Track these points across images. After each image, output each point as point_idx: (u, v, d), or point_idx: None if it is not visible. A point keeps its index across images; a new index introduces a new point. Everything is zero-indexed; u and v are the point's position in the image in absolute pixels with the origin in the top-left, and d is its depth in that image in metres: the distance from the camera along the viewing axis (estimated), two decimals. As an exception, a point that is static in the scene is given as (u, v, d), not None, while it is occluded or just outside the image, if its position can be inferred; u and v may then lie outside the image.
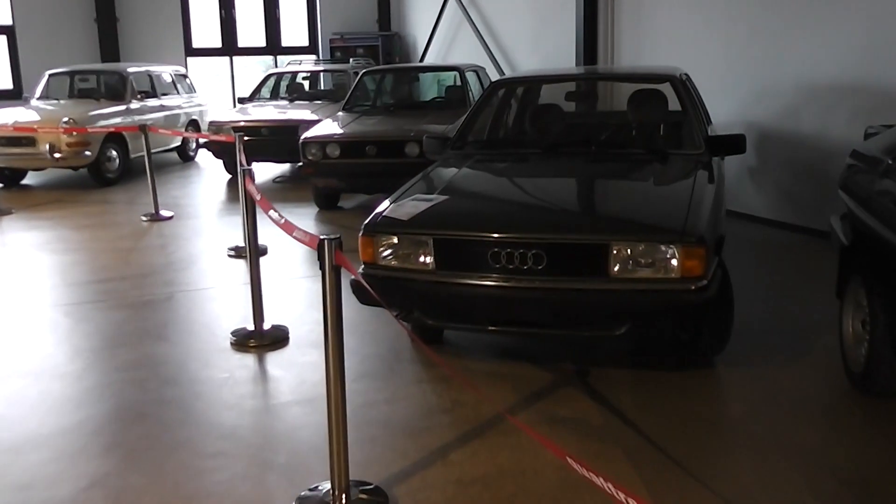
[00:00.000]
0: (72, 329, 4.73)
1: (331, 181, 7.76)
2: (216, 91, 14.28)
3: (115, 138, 9.85)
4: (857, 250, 3.60)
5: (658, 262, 3.30)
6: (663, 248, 3.29)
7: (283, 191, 9.57)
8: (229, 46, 15.06)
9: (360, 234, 3.66)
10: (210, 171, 11.12)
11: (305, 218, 7.74)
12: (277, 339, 4.37)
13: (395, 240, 3.61)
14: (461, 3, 12.23)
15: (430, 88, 12.09)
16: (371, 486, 2.83)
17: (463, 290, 3.46)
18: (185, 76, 12.39)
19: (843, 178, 3.93)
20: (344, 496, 2.70)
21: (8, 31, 13.37)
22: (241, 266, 5.95)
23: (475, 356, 4.19)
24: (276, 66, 14.37)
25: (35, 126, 9.30)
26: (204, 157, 12.01)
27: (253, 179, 4.30)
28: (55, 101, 10.52)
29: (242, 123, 9.43)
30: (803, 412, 3.42)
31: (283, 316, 4.69)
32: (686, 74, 5.26)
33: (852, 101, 5.96)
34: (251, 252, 4.43)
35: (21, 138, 9.31)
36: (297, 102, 10.62)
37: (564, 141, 4.92)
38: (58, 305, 5.19)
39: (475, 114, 5.21)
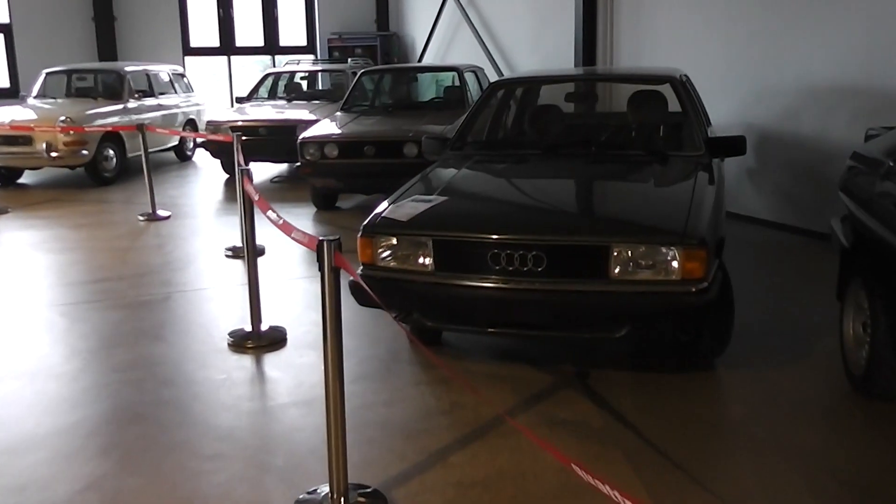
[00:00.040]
0: (68, 329, 4.70)
1: (329, 181, 7.74)
2: (214, 90, 14.26)
3: (112, 137, 9.82)
4: (858, 252, 3.59)
5: (659, 264, 3.28)
6: (664, 250, 3.27)
7: (280, 191, 9.54)
8: (227, 46, 15.03)
9: (359, 235, 3.63)
10: (207, 171, 11.09)
11: (303, 218, 7.72)
12: (275, 340, 4.34)
13: (395, 241, 3.58)
14: (460, 3, 12.22)
15: (428, 89, 12.08)
16: (369, 490, 2.81)
17: (462, 291, 3.44)
18: (182, 75, 12.36)
19: (844, 180, 3.92)
20: (342, 500, 2.68)
21: (5, 29, 13.34)
22: (239, 266, 5.93)
23: (474, 358, 4.17)
24: (274, 66, 14.34)
25: (32, 125, 9.26)
26: (201, 157, 11.97)
27: (251, 179, 4.27)
28: (52, 100, 10.48)
29: (240, 123, 9.40)
30: (804, 414, 3.41)
31: (280, 317, 4.66)
32: (686, 75, 5.25)
33: (852, 103, 5.95)
34: (249, 252, 4.40)
35: (18, 137, 9.27)
36: (294, 102, 10.59)
37: (564, 142, 4.90)
38: (54, 305, 5.16)
39: (474, 114, 5.20)
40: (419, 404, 3.56)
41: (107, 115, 10.00)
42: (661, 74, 5.24)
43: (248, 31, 15.11)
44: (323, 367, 2.64)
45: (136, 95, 10.70)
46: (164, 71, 11.81)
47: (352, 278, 2.81)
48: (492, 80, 9.52)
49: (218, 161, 10.34)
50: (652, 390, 3.66)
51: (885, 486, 2.82)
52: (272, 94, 11.20)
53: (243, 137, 6.34)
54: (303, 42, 15.43)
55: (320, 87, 12.34)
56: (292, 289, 5.41)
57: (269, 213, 3.55)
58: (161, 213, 7.89)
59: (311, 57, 14.88)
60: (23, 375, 3.97)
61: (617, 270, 3.30)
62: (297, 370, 3.99)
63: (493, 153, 4.94)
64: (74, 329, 4.69)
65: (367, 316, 4.41)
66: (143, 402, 3.63)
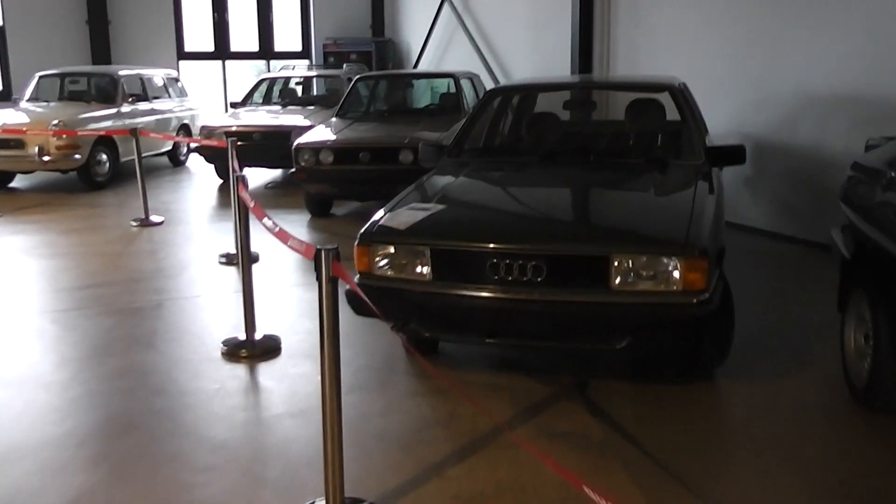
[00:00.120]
0: (58, 336, 4.63)
1: (323, 187, 7.70)
2: (208, 95, 14.19)
3: (105, 141, 9.74)
4: (860, 263, 3.56)
5: (660, 274, 3.24)
6: (665, 260, 3.23)
7: (274, 197, 9.48)
8: (222, 50, 14.98)
9: (356, 243, 3.58)
10: (201, 176, 11.03)
11: (297, 225, 7.66)
12: (269, 349, 4.28)
13: (392, 249, 3.54)
14: (456, 9, 12.21)
15: (423, 95, 12.05)
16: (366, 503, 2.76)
17: (461, 301, 3.39)
18: (176, 80, 12.30)
19: (845, 190, 3.90)
20: (339, 513, 2.63)
21: (-2, 31, 13.27)
22: (232, 273, 5.86)
23: (472, 368, 4.12)
24: (269, 71, 14.29)
25: (24, 128, 9.19)
26: (195, 162, 11.91)
27: (246, 186, 4.22)
28: (45, 104, 10.42)
29: (234, 128, 9.36)
30: (804, 424, 3.38)
31: (274, 325, 4.60)
32: (684, 84, 5.23)
33: (851, 112, 5.94)
34: (243, 260, 4.35)
35: (9, 140, 9.20)
36: (289, 108, 10.56)
37: (562, 150, 4.87)
38: (44, 312, 5.09)
39: (472, 121, 5.16)
40: (416, 415, 3.51)
41: (100, 119, 9.93)
42: (659, 82, 5.22)
43: (243, 35, 15.06)
44: (318, 378, 2.59)
45: (130, 99, 10.64)
46: (158, 75, 11.76)
47: (348, 287, 2.76)
48: (487, 86, 9.53)
49: (212, 166, 10.29)
50: (652, 400, 3.62)
51: (889, 497, 2.79)
52: (267, 100, 11.17)
53: (237, 143, 6.29)
54: (298, 47, 15.39)
55: (315, 93, 12.30)
56: (286, 296, 5.36)
57: (265, 220, 3.50)
58: (154, 218, 7.82)
59: (306, 62, 14.84)
60: (12, 384, 3.90)
61: (618, 281, 3.26)
62: (291, 380, 3.93)
63: (490, 161, 4.91)
64: (65, 336, 4.62)
65: (363, 325, 4.34)
66: (135, 412, 3.57)
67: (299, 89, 12.05)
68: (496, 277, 3.34)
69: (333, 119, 8.63)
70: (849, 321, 3.66)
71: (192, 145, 11.71)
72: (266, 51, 15.26)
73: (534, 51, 10.34)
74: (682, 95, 4.90)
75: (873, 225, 3.35)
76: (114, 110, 10.26)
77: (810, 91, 6.30)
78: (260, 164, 9.91)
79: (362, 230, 3.63)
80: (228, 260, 6.20)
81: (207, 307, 5.19)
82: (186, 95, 12.27)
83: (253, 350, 4.25)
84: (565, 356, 4.11)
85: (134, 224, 7.69)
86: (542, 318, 3.37)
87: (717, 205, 3.83)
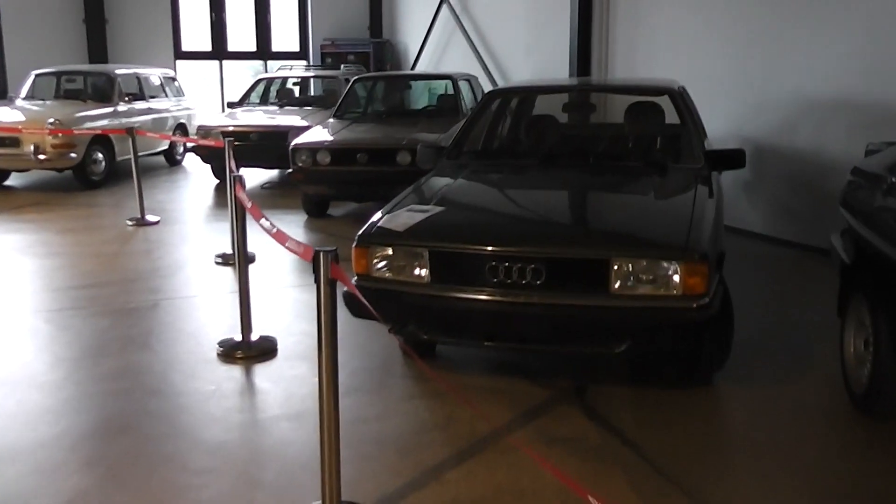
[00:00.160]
0: (53, 336, 4.60)
1: (320, 188, 7.67)
2: (205, 95, 14.16)
3: (101, 140, 9.70)
4: (860, 268, 3.54)
5: (660, 278, 3.22)
6: (665, 264, 3.21)
7: (271, 197, 9.45)
8: (219, 50, 14.95)
9: (354, 245, 3.56)
10: (197, 176, 10.99)
11: (294, 225, 7.64)
12: (265, 350, 4.25)
13: (390, 251, 3.51)
14: (454, 11, 12.19)
15: (421, 97, 12.03)
16: (363, 507, 2.74)
17: (459, 304, 3.37)
18: (173, 79, 12.26)
19: (844, 195, 3.89)
20: (336, 518, 2.60)
21: (-6, 29, 13.21)
22: (229, 274, 5.84)
23: (470, 371, 4.10)
24: (267, 71, 14.26)
25: (20, 126, 9.15)
26: (191, 162, 11.87)
27: (243, 186, 4.20)
28: (41, 102, 10.36)
29: (231, 128, 9.33)
30: (804, 428, 3.37)
31: (270, 326, 4.58)
32: (683, 87, 5.22)
33: (851, 117, 5.93)
34: (240, 260, 4.32)
35: (5, 139, 9.15)
36: (286, 108, 10.53)
37: (562, 152, 4.85)
38: (39, 311, 5.05)
39: (471, 123, 5.14)
40: (413, 418, 3.49)
41: (96, 117, 9.89)
42: (659, 86, 5.21)
43: (241, 35, 15.03)
44: (314, 380, 2.57)
45: (126, 98, 10.60)
46: (154, 74, 11.71)
47: (346, 289, 2.74)
48: (485, 88, 9.51)
49: (208, 166, 10.25)
50: (651, 405, 3.60)
51: (890, 499, 2.78)
52: (264, 100, 11.14)
53: (234, 143, 6.26)
54: (295, 48, 15.36)
55: (312, 94, 12.27)
56: (282, 297, 5.33)
57: (263, 221, 3.48)
58: (150, 218, 7.78)
59: (304, 63, 14.82)
60: (4, 384, 3.86)
61: (617, 285, 3.24)
62: (287, 382, 3.90)
63: (489, 163, 4.89)
64: (59, 336, 4.59)
65: (359, 327, 4.31)
66: (130, 414, 3.54)
67: (297, 90, 12.02)
68: (495, 280, 3.32)
69: (331, 120, 8.61)
70: (848, 326, 3.65)
71: (189, 145, 11.68)
72: (263, 51, 15.24)
73: (532, 52, 10.33)
74: (681, 99, 4.89)
75: (873, 230, 3.34)
76: (110, 109, 10.22)
77: (810, 94, 6.30)
78: (257, 165, 9.87)
79: (360, 232, 3.60)
80: (224, 260, 6.17)
81: (203, 308, 5.16)
82: (183, 95, 12.23)
83: (249, 351, 4.22)
84: (564, 360, 4.09)
85: (130, 224, 7.66)
86: (541, 322, 3.34)
87: (716, 209, 3.81)
